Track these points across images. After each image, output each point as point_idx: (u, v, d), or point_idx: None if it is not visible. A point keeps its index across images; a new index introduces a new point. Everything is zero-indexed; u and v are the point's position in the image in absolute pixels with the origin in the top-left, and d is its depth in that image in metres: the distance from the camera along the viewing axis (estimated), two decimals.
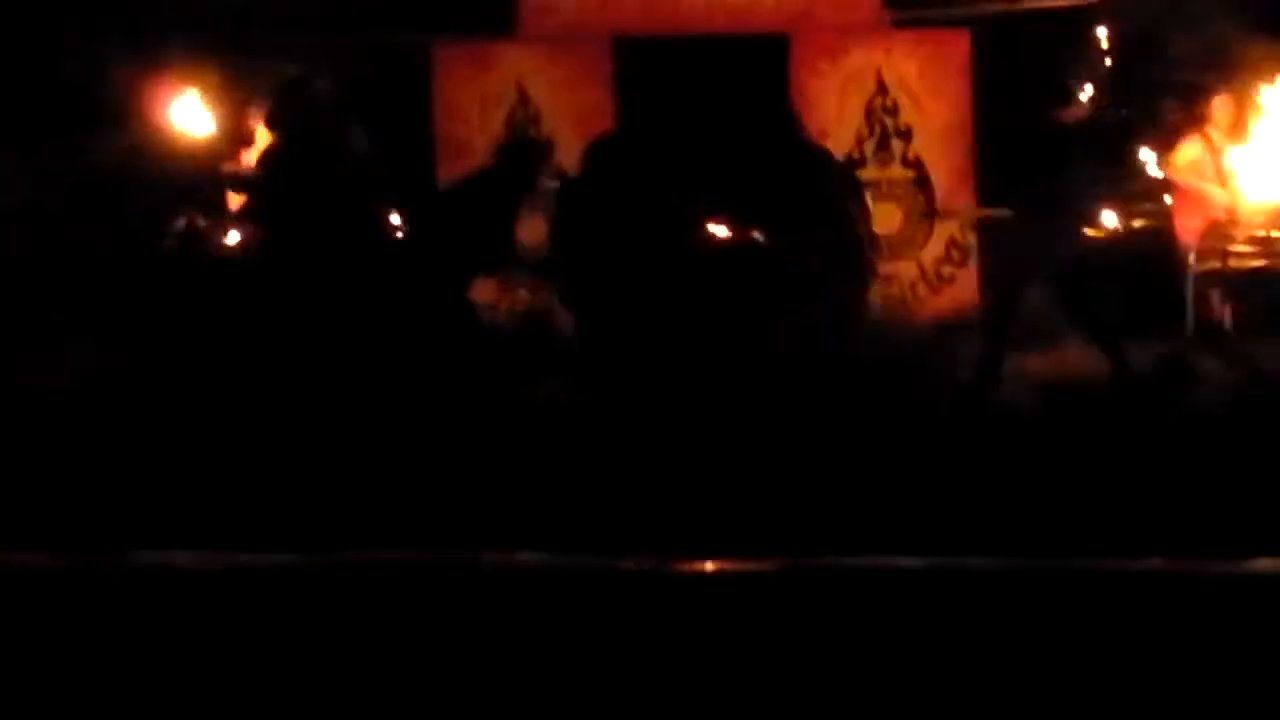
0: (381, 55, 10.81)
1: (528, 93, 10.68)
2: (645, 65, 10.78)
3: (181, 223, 10.16)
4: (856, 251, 9.19)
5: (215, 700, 5.17)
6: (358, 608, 5.93)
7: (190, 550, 6.54)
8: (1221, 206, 10.18)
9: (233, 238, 9.91)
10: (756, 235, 9.25)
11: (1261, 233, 10.00)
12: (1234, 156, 10.20)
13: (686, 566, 6.26)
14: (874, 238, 9.58)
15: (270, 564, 6.47)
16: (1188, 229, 10.24)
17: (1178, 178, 10.40)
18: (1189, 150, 10.35)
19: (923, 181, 10.82)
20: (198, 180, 9.95)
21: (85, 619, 5.86)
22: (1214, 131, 10.24)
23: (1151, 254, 10.54)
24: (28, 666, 5.43)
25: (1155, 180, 10.89)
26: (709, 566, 6.25)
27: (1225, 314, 10.16)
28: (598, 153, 9.29)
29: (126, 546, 6.58)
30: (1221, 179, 10.20)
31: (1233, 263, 10.00)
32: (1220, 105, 10.26)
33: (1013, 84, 10.47)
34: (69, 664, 5.44)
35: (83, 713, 5.18)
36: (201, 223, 10.09)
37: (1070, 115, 10.13)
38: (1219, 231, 10.05)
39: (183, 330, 9.71)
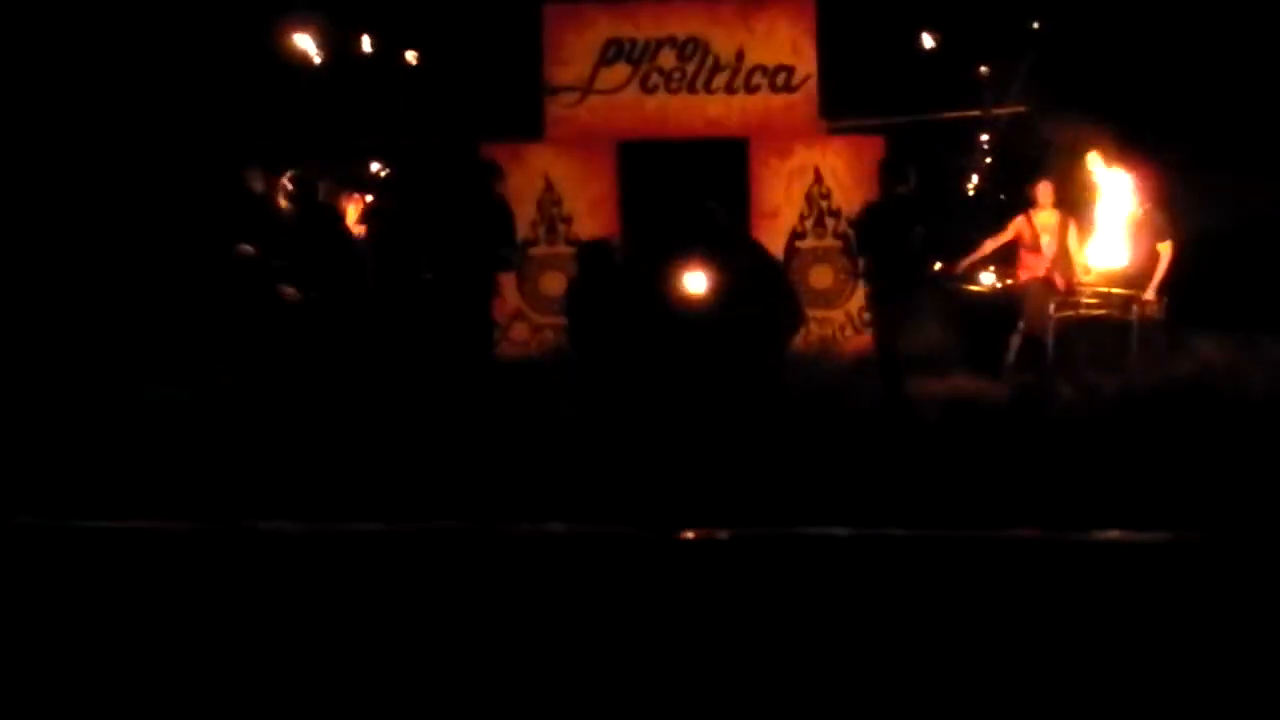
0: (441, 154, 12.10)
1: (552, 183, 12.29)
2: (641, 161, 12.28)
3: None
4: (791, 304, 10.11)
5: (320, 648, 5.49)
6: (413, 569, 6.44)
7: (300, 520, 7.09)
8: (1077, 267, 11.25)
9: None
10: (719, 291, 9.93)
11: (1103, 289, 11.16)
12: (1077, 233, 11.29)
13: (676, 535, 6.74)
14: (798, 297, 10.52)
15: (351, 531, 6.99)
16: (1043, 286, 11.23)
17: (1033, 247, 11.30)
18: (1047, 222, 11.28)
19: (848, 250, 12.08)
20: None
21: (207, 578, 6.32)
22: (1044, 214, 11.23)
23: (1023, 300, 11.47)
24: (162, 620, 5.78)
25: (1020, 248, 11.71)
26: (690, 535, 6.74)
27: (1079, 350, 11.03)
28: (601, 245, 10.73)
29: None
30: (1067, 248, 11.28)
31: (1083, 310, 11.25)
32: (1044, 191, 11.22)
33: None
34: (195, 617, 5.80)
35: (207, 662, 5.41)
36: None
37: (956, 197, 11.90)
38: (1072, 288, 11.29)
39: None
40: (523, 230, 11.58)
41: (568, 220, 12.07)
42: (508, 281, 11.63)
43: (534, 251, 12.11)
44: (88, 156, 11.60)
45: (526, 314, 12.19)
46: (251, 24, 11.40)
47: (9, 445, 8.89)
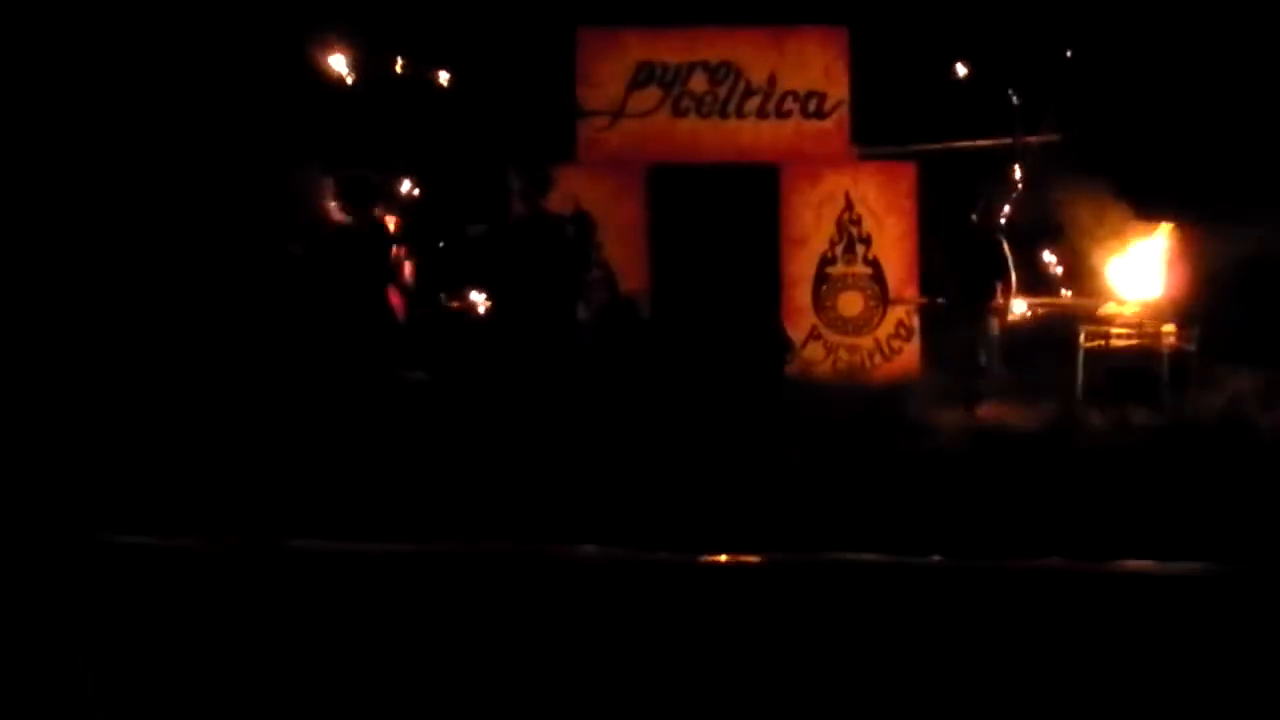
0: (476, 175, 12.01)
1: (583, 207, 11.46)
2: (671, 186, 12.00)
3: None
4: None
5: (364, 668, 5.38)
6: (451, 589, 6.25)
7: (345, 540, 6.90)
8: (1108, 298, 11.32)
9: None
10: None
11: (1137, 320, 11.21)
12: (1112, 264, 11.30)
13: (706, 560, 6.60)
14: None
15: (386, 551, 6.78)
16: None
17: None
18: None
19: (879, 276, 12.20)
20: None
21: (241, 598, 6.14)
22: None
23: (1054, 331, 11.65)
24: (201, 641, 5.64)
25: (1054, 276, 12.21)
26: (723, 559, 6.57)
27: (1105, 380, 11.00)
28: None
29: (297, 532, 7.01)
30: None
31: (1113, 342, 11.25)
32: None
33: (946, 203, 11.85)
34: (231, 637, 5.66)
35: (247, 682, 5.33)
36: None
37: (987, 226, 11.38)
38: (1101, 318, 11.29)
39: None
40: None
41: (599, 245, 11.23)
42: None
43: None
44: (145, 177, 11.42)
45: None
46: (286, 44, 11.28)
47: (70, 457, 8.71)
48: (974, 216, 11.04)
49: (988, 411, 10.70)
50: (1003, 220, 12.13)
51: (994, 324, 10.97)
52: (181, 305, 11.38)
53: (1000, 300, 11.01)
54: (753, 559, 6.66)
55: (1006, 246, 11.04)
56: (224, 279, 11.28)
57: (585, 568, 6.72)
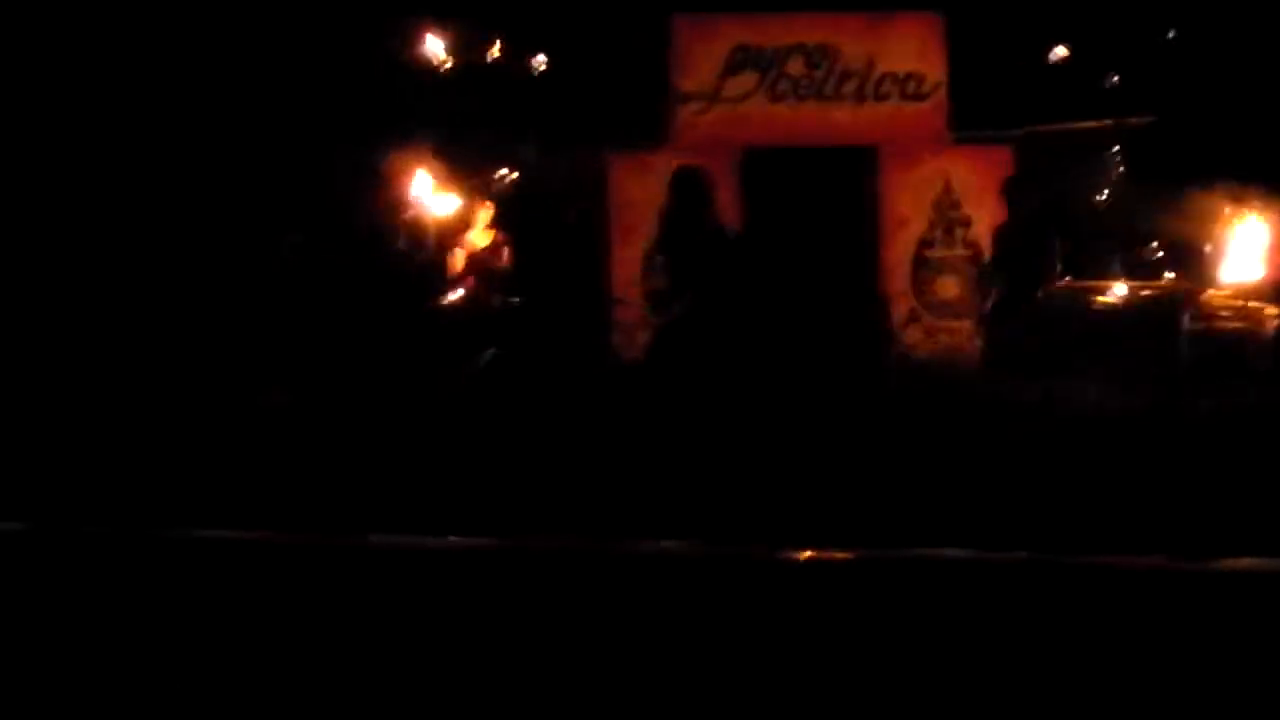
0: (574, 160, 12.24)
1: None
2: (765, 169, 11.92)
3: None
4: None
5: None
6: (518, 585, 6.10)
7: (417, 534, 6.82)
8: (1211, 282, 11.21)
9: None
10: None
11: (1238, 302, 11.05)
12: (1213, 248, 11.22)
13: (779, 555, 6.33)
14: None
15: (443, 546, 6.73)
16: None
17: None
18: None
19: (977, 258, 11.97)
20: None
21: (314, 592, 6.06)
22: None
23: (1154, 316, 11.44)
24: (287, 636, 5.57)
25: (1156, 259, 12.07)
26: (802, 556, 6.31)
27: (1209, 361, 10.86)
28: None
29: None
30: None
31: (1217, 324, 11.11)
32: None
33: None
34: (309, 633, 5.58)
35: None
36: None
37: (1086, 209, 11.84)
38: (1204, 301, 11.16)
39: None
40: (649, 236, 10.88)
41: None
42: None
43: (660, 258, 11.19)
44: (225, 163, 11.58)
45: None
46: (386, 28, 11.41)
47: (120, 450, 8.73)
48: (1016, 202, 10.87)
49: (1091, 392, 10.27)
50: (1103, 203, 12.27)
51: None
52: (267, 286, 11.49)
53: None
54: (839, 555, 6.44)
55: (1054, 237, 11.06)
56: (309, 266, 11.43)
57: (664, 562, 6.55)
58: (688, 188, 9.82)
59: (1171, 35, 12.78)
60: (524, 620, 5.67)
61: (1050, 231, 10.93)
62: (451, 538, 6.87)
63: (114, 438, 9.20)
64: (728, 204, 11.65)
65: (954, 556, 6.27)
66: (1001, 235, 11.05)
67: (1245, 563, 6.10)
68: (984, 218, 12.08)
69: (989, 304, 11.20)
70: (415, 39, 11.95)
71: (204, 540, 6.83)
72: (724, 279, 10.04)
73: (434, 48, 11.90)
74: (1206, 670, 5.10)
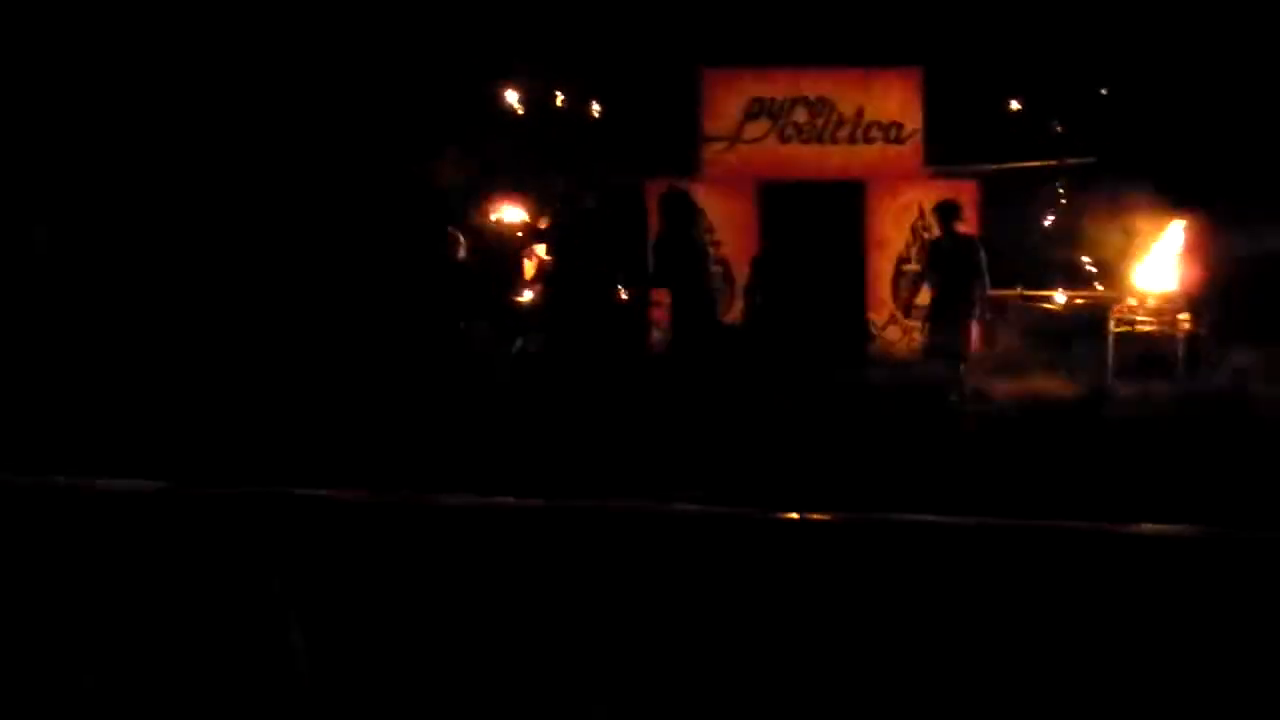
0: (615, 188, 13.50)
1: (706, 214, 12.82)
2: (777, 197, 13.65)
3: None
4: None
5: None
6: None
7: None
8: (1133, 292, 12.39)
9: None
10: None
11: (1155, 309, 12.29)
12: (1135, 263, 12.47)
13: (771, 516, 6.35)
14: None
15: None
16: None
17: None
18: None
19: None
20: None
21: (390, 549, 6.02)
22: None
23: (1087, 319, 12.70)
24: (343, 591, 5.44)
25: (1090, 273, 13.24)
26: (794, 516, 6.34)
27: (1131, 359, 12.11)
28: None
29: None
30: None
31: (1138, 328, 12.38)
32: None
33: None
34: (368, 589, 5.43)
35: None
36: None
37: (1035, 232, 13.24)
38: (1128, 308, 12.47)
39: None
40: None
41: (718, 244, 13.36)
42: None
43: None
44: (339, 190, 13.03)
45: None
46: (481, 80, 13.06)
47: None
48: (951, 226, 11.81)
49: (1035, 384, 11.62)
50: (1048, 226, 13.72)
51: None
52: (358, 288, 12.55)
53: (979, 297, 11.82)
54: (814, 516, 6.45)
55: (983, 253, 11.87)
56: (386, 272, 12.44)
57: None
58: (675, 206, 11.23)
59: (1105, 92, 13.92)
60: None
61: (976, 246, 11.88)
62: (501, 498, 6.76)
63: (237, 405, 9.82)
64: (748, 223, 13.72)
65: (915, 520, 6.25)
66: (934, 249, 12.09)
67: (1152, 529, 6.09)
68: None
69: (922, 306, 12.35)
70: (501, 88, 13.50)
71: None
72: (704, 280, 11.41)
73: (512, 96, 13.56)
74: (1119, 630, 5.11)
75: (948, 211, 11.98)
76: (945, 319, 11.73)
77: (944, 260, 11.83)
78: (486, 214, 12.62)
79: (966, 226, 12.57)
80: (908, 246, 13.63)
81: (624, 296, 12.68)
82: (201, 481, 6.02)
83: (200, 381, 10.50)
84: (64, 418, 9.35)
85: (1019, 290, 13.09)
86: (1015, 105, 14.06)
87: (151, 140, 13.19)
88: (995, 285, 12.87)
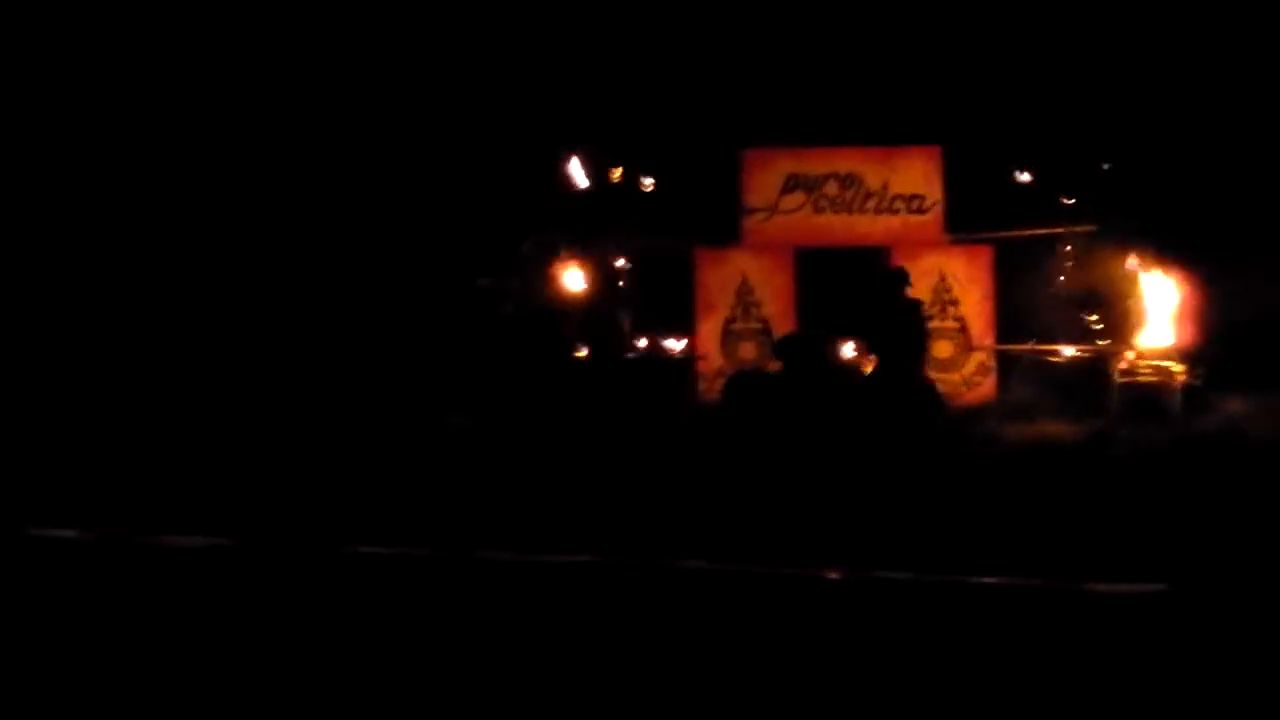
0: (665, 252, 14.62)
1: (747, 277, 14.65)
2: (812, 262, 14.53)
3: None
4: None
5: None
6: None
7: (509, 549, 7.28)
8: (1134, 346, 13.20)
9: None
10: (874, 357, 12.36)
11: (1154, 362, 13.04)
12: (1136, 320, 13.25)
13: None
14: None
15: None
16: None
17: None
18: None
19: (964, 329, 14.43)
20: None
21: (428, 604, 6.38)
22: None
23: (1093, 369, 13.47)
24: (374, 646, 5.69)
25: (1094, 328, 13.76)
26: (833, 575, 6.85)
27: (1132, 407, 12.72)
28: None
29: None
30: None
31: (1139, 377, 13.05)
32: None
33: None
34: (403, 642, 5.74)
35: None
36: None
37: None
38: (1129, 361, 13.17)
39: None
40: (725, 311, 14.43)
41: (758, 304, 14.40)
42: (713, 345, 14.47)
43: (733, 326, 14.54)
44: (422, 247, 14.12)
45: (724, 370, 14.36)
46: (548, 158, 14.07)
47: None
48: (902, 291, 12.37)
49: (1044, 428, 12.42)
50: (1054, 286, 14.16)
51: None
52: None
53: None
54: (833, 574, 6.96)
55: (922, 319, 12.60)
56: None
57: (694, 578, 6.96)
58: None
59: (1107, 166, 14.36)
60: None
61: (920, 315, 12.61)
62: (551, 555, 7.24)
63: (318, 457, 10.47)
64: (786, 287, 14.52)
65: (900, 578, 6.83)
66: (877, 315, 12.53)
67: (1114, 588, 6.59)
68: (969, 299, 14.44)
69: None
70: (565, 164, 14.27)
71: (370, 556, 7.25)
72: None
73: (576, 172, 14.37)
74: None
75: (891, 279, 12.73)
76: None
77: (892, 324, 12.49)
78: (548, 276, 13.76)
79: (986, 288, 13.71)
80: (929, 306, 14.02)
81: (674, 351, 13.96)
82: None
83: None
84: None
85: (1030, 344, 13.94)
86: (1026, 178, 14.52)
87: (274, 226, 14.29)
88: (1008, 340, 14.06)
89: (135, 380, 12.96)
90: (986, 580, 6.68)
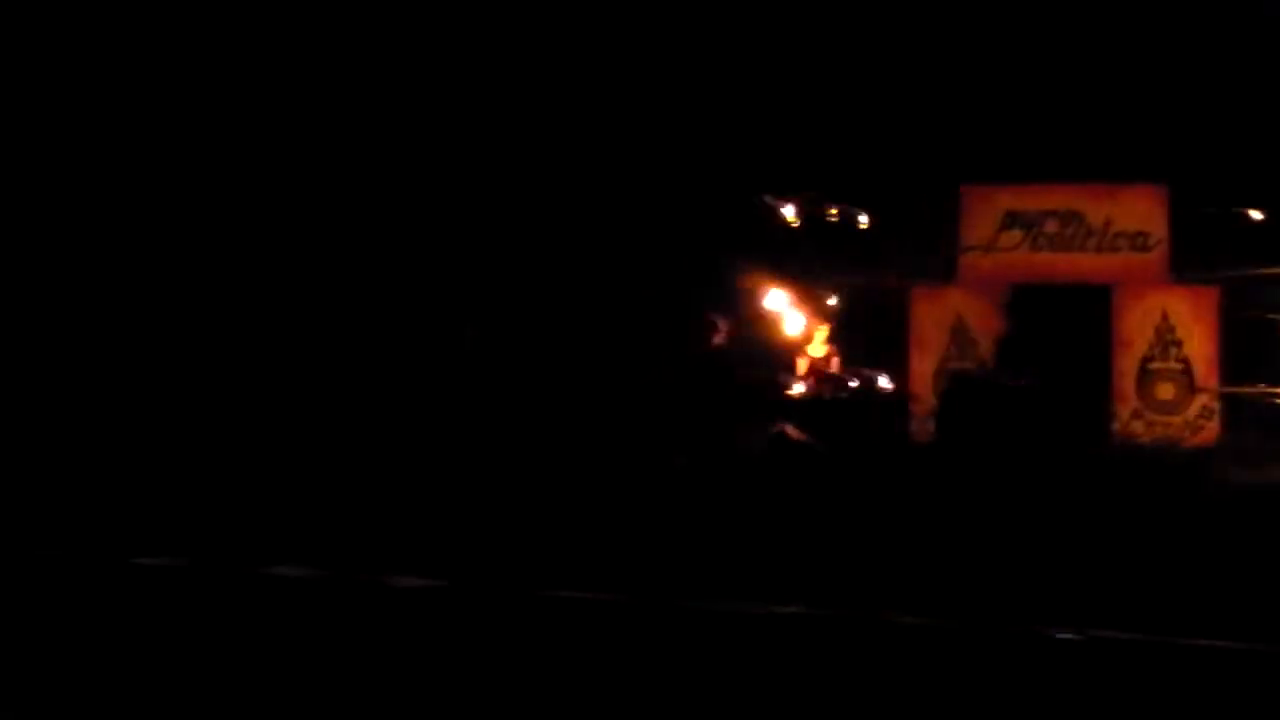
0: (880, 289, 14.58)
1: (962, 315, 14.43)
2: (1027, 301, 14.29)
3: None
4: None
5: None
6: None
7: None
8: None
9: None
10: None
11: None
12: None
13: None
14: None
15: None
16: None
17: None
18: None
19: (1187, 371, 14.03)
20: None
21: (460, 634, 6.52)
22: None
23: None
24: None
25: None
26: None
27: None
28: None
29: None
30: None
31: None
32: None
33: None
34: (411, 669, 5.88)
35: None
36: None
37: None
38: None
39: None
40: (939, 350, 14.31)
41: (975, 344, 14.23)
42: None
43: (947, 365, 14.37)
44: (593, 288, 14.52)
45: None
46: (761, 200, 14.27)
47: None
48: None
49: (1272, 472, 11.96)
50: None
51: None
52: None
53: None
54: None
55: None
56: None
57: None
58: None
59: None
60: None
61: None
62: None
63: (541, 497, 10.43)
64: (997, 324, 14.31)
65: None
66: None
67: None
68: (1193, 340, 14.06)
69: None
70: (780, 201, 14.46)
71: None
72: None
73: (788, 210, 14.53)
74: None
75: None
76: None
77: None
78: (762, 310, 13.69)
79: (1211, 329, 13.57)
80: (1151, 347, 14.08)
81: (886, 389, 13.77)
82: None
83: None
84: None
85: (1261, 387, 13.64)
86: (1257, 215, 14.08)
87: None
88: (1234, 383, 13.77)
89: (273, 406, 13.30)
90: (1218, 644, 6.37)
